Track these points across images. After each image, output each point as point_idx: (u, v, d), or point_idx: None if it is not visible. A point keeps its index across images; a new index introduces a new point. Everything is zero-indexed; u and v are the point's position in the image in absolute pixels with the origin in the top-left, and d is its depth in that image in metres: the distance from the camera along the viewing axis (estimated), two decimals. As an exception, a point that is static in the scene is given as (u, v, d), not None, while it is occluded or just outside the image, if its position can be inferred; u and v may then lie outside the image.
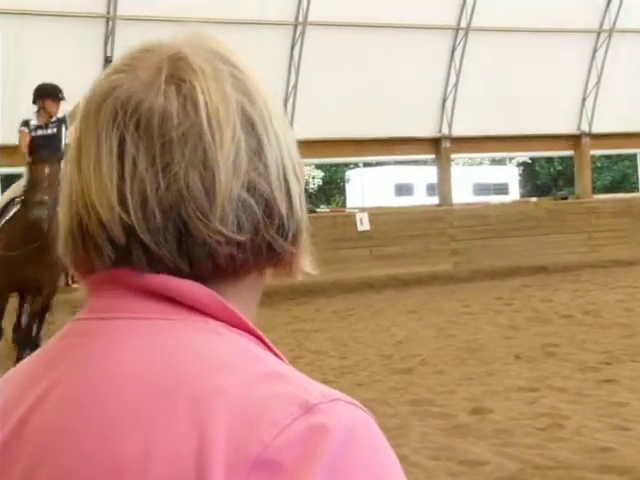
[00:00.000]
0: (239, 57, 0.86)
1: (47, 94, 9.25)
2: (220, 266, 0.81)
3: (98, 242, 0.81)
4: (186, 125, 0.79)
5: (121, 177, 0.79)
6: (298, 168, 0.86)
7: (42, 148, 8.73)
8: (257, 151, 0.81)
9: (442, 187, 18.71)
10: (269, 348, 0.83)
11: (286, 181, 0.83)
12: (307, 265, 0.90)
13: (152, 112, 0.79)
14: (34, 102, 9.34)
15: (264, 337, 0.83)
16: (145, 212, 0.78)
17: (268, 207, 0.82)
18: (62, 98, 9.26)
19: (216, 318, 0.81)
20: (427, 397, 7.10)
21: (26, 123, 9.31)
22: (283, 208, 0.83)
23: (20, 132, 9.29)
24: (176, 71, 0.81)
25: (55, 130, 9.21)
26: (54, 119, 9.22)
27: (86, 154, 0.82)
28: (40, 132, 9.11)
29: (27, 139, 9.06)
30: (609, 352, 8.49)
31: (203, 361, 0.77)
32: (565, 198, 20.17)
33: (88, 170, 0.81)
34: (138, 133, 0.79)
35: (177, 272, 0.80)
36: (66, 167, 0.85)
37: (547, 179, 39.39)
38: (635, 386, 7.04)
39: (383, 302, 13.99)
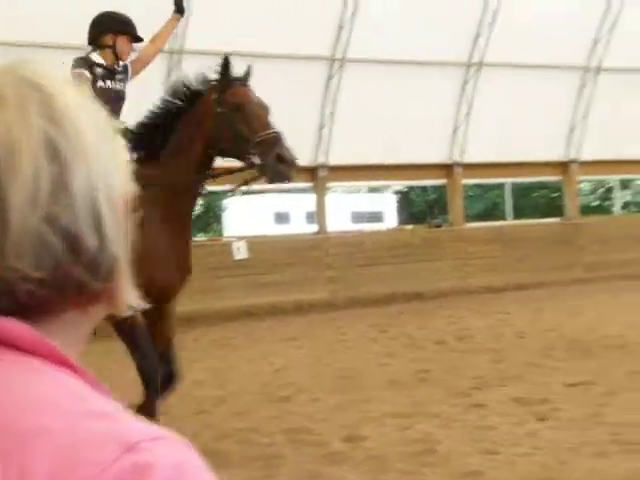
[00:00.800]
0: (59, 84, 0.83)
1: (123, 28, 6.28)
2: (22, 302, 0.78)
3: None
4: None
5: None
6: (117, 199, 0.83)
7: (116, 113, 5.97)
8: (61, 181, 0.78)
9: (319, 215, 18.88)
10: (94, 385, 0.81)
11: (97, 213, 0.80)
12: (132, 299, 0.88)
13: None
14: (94, 40, 6.32)
15: (88, 373, 0.82)
16: None
17: (73, 241, 0.79)
18: (140, 39, 6.42)
19: (39, 356, 0.79)
20: (303, 425, 7.10)
21: (87, 62, 6.16)
22: (92, 242, 0.80)
23: (79, 75, 5.91)
24: None
25: (122, 85, 6.33)
26: (121, 66, 6.34)
27: None
28: (110, 84, 6.23)
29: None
30: (479, 377, 8.68)
31: (24, 400, 0.75)
32: (439, 226, 20.65)
33: None
34: None
35: None
36: None
37: (422, 207, 40.30)
38: (503, 410, 7.22)
39: (263, 330, 13.97)
